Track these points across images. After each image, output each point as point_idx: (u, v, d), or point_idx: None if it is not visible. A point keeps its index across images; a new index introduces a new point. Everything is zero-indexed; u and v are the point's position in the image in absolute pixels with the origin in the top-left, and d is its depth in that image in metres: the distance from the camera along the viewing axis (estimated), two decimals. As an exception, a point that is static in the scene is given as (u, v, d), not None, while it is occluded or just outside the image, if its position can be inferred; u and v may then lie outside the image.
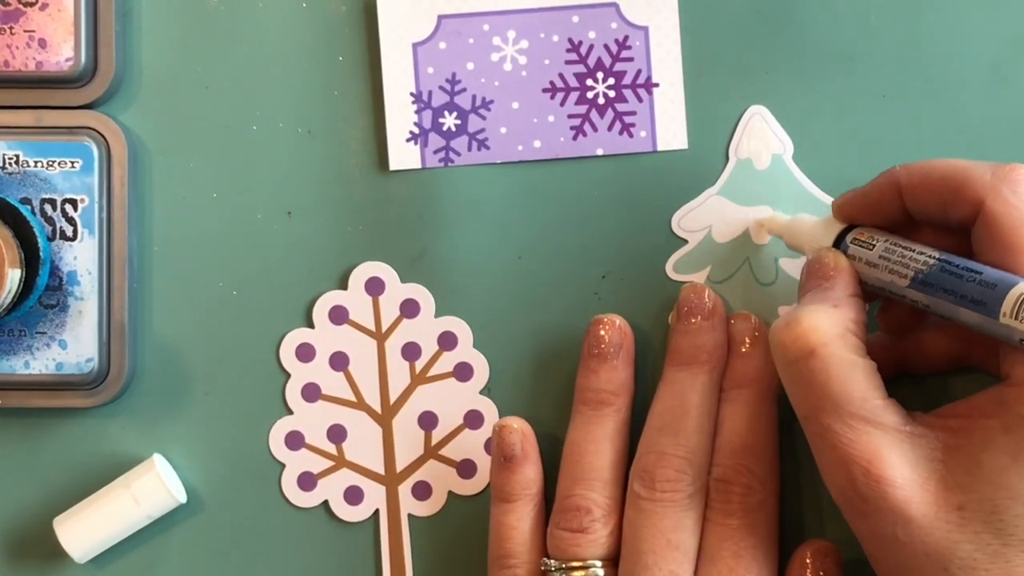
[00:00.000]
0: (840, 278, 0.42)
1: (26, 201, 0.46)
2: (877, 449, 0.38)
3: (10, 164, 0.46)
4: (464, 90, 0.47)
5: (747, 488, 0.43)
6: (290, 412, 0.48)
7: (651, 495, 0.43)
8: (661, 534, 0.43)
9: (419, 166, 0.47)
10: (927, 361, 0.45)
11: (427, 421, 0.48)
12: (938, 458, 0.38)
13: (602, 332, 0.46)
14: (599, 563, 0.44)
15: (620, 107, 0.47)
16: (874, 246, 0.42)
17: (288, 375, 0.48)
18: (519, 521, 0.45)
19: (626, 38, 0.47)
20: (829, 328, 0.40)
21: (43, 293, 0.46)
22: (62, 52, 0.46)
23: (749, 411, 0.44)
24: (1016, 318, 0.37)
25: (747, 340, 0.45)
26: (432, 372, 0.48)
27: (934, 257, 0.40)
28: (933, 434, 0.39)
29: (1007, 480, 0.37)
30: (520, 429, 0.46)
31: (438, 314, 0.48)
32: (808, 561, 0.44)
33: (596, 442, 0.45)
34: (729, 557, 0.43)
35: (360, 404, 0.48)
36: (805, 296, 0.42)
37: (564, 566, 0.44)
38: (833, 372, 0.39)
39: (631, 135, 0.47)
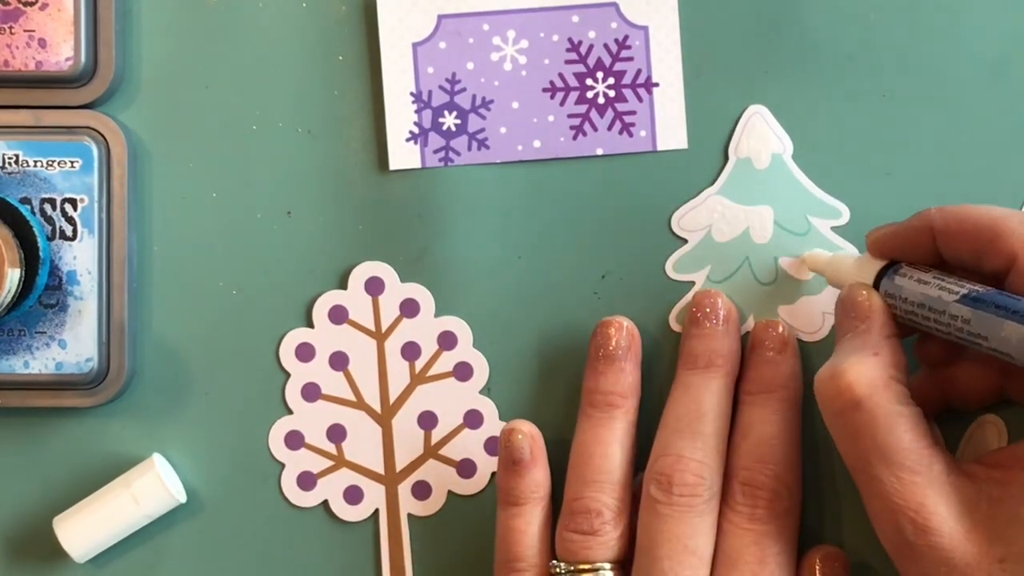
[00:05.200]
0: (875, 319, 0.42)
1: (26, 201, 0.46)
2: (923, 500, 0.39)
3: (10, 164, 0.46)
4: (464, 90, 0.47)
5: (775, 494, 0.43)
6: (290, 412, 0.48)
7: (668, 499, 0.43)
8: (678, 539, 0.42)
9: (419, 166, 0.47)
10: (966, 394, 0.45)
11: (427, 421, 0.48)
12: (982, 509, 0.39)
13: (610, 334, 0.46)
14: (608, 565, 0.44)
15: (620, 107, 0.47)
16: (927, 270, 0.42)
17: (288, 375, 0.48)
18: (528, 524, 0.45)
19: (626, 38, 0.47)
20: (872, 379, 0.40)
21: (43, 293, 0.46)
22: (62, 52, 0.46)
23: (778, 417, 0.44)
24: None
25: (775, 346, 0.45)
26: (432, 372, 0.48)
27: (986, 288, 0.40)
28: (977, 484, 0.39)
29: None
30: (529, 432, 0.46)
31: (438, 314, 0.48)
32: (817, 566, 0.44)
33: (605, 444, 0.45)
34: (753, 562, 0.42)
35: (360, 404, 0.48)
36: (843, 341, 0.42)
37: (573, 568, 0.44)
38: (879, 424, 0.39)
39: (631, 135, 0.47)
